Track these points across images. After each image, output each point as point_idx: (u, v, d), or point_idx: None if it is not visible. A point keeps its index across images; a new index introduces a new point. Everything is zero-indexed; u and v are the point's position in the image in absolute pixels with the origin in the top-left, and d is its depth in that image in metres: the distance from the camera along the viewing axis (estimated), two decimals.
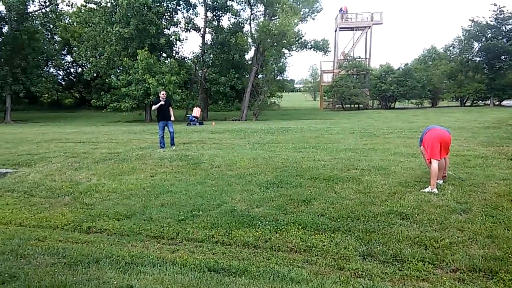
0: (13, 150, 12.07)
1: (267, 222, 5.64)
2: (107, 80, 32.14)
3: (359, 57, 43.12)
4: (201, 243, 5.30)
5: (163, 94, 12.19)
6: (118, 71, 30.93)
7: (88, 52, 31.89)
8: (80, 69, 46.55)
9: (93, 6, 31.87)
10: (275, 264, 4.48)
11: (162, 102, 11.90)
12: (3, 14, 33.50)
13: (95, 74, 32.61)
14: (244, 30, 33.98)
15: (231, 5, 33.40)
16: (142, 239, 5.46)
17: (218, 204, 6.56)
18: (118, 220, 6.17)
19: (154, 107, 12.03)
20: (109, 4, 30.68)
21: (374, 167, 7.99)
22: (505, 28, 39.50)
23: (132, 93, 28.55)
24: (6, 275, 4.01)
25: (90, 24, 32.16)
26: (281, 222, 5.62)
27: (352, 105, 41.24)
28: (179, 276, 4.17)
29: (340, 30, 44.44)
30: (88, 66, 32.78)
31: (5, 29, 34.40)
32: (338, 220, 5.53)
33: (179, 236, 5.51)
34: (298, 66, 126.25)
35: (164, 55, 33.65)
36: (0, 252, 4.85)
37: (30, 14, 34.50)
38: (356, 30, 43.65)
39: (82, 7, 33.74)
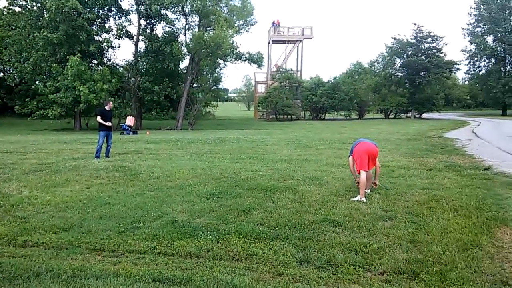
0: None
1: (208, 232, 5.82)
2: (32, 86, 30.52)
3: (291, 69, 44.66)
4: (143, 254, 5.35)
5: (110, 105, 12.13)
6: (45, 77, 29.50)
7: (12, 57, 30.11)
8: (1, 73, 43.62)
9: (18, 9, 30.25)
10: (218, 273, 4.68)
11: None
12: None
13: (19, 80, 30.78)
14: (179, 40, 33.97)
15: (166, 14, 33.32)
16: (82, 252, 5.40)
17: (158, 215, 6.62)
18: (55, 233, 6.02)
19: (98, 118, 11.77)
20: (35, 8, 29.29)
21: (309, 177, 8.46)
22: (424, 46, 42.99)
23: (60, 100, 27.38)
24: None
25: (14, 28, 30.45)
26: (222, 231, 5.83)
27: (285, 116, 42.50)
28: (125, 287, 4.24)
29: (273, 43, 45.76)
30: (12, 71, 30.94)
31: None
32: (277, 228, 5.85)
33: (120, 248, 5.52)
34: (232, 75, 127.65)
35: (95, 62, 32.65)
36: None
37: None
38: (288, 43, 45.22)
39: (5, 10, 31.83)
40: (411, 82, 42.88)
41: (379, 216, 6.12)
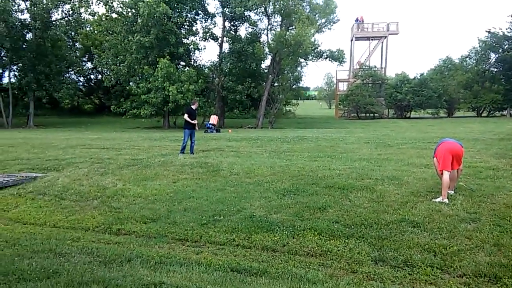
0: (41, 155, 12.65)
1: (284, 228, 5.99)
2: (127, 87, 32.98)
3: (375, 67, 43.29)
4: (223, 246, 5.68)
5: (196, 104, 12.92)
6: (138, 78, 31.71)
7: (109, 60, 32.76)
8: (100, 75, 47.61)
9: (114, 15, 32.85)
10: (293, 267, 4.84)
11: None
12: (27, 22, 34.67)
13: (115, 81, 33.46)
14: (261, 40, 34.58)
15: (249, 15, 34.11)
16: (168, 241, 5.87)
17: (238, 209, 6.93)
18: (145, 223, 6.59)
19: (186, 116, 12.54)
20: (130, 14, 31.55)
21: (388, 177, 8.27)
22: None
23: (151, 100, 29.27)
24: (50, 270, 4.44)
25: (111, 33, 33.09)
26: (297, 227, 5.96)
27: (368, 114, 41.36)
28: (205, 275, 4.55)
29: (356, 40, 44.69)
30: (109, 73, 33.69)
31: (29, 36, 35.56)
32: (352, 227, 5.85)
33: (202, 239, 5.91)
34: (313, 73, 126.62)
35: (182, 63, 34.40)
36: (40, 250, 5.30)
37: (54, 23, 35.58)
38: (372, 39, 43.86)
39: (104, 16, 34.71)
40: (507, 78, 39.44)
41: (462, 218, 5.84)
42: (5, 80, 38.46)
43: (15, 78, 37.17)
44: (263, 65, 37.47)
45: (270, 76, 33.73)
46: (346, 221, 6.06)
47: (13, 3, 33.75)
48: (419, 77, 42.28)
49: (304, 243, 5.48)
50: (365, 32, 43.98)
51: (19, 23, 34.31)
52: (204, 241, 5.86)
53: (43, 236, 6.03)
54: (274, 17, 34.10)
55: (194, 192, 8.12)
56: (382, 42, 43.22)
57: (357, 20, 43.78)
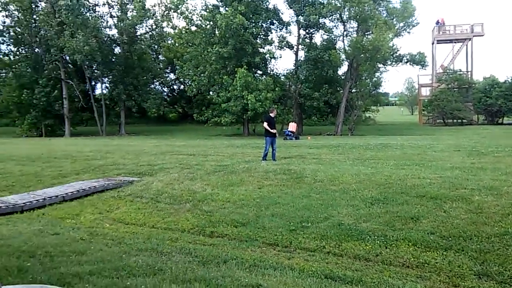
0: (135, 161, 13.60)
1: (376, 237, 5.88)
2: (208, 96, 34.30)
3: (460, 70, 40.81)
4: (313, 252, 5.72)
5: (274, 112, 13.11)
6: (218, 88, 32.83)
7: (191, 71, 34.32)
8: (182, 86, 49.97)
9: (194, 28, 34.43)
10: (388, 277, 4.73)
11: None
12: (115, 38, 37.49)
13: (196, 91, 35.00)
14: (337, 46, 34.29)
15: (324, 22, 34.04)
16: (259, 245, 6.03)
17: (325, 217, 6.92)
18: (235, 227, 6.83)
19: (265, 124, 12.74)
20: (208, 26, 32.87)
21: (485, 187, 7.78)
22: None
23: (231, 108, 30.15)
24: (156, 268, 4.77)
25: (191, 45, 34.70)
26: (390, 237, 5.82)
27: (455, 120, 39.01)
28: (300, 280, 4.60)
29: (437, 43, 42.47)
30: (190, 83, 35.30)
31: (117, 50, 38.41)
32: (450, 238, 5.59)
33: (292, 245, 6.00)
34: (393, 79, 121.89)
35: (259, 72, 35.07)
36: (143, 249, 5.70)
37: (139, 37, 38.11)
38: (455, 42, 41.45)
39: (184, 29, 36.50)
40: None
41: None
42: (98, 91, 41.89)
43: (107, 89, 40.30)
44: (340, 72, 37.06)
45: (347, 82, 33.22)
46: (442, 232, 5.81)
47: (102, 20, 36.81)
48: (510, 81, 39.12)
49: (398, 254, 5.34)
50: (447, 35, 41.70)
51: (108, 39, 37.23)
52: (294, 246, 5.94)
53: (144, 236, 6.49)
54: (350, 23, 33.60)
55: (280, 198, 8.24)
56: (467, 45, 40.71)
57: (437, 22, 41.68)
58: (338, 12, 31.74)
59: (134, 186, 9.97)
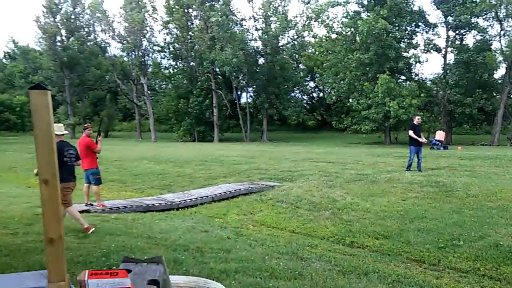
0: (276, 167, 14.11)
1: None
2: (347, 104, 33.92)
3: None
4: (465, 273, 5.21)
5: (418, 119, 12.38)
6: (358, 95, 32.21)
7: (330, 78, 34.34)
8: (321, 93, 50.34)
9: (334, 36, 34.39)
10: None
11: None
12: (259, 49, 39.49)
13: (335, 98, 34.86)
14: (493, 47, 30.84)
15: (476, 22, 30.99)
16: (403, 261, 5.71)
17: (480, 236, 6.26)
18: (377, 239, 6.59)
19: (411, 133, 12.04)
20: (349, 33, 32.50)
21: None
22: None
23: (372, 116, 29.29)
24: (296, 272, 4.86)
25: (331, 52, 34.72)
26: None
27: None
28: None
29: None
30: (330, 91, 35.38)
31: (261, 61, 40.42)
32: None
33: (441, 263, 5.55)
34: None
35: (402, 77, 33.44)
36: (284, 252, 5.86)
37: (281, 47, 39.51)
38: None
39: (324, 37, 36.69)
40: None
41: None
42: (243, 100, 44.66)
43: (251, 98, 42.75)
44: (496, 75, 33.28)
45: (506, 87, 29.61)
46: None
47: (248, 33, 39.19)
48: None
49: None
50: None
51: (253, 51, 39.40)
52: (443, 265, 5.48)
53: (285, 240, 6.67)
54: (508, 21, 29.97)
55: (427, 212, 7.70)
56: None
57: None
58: (494, 10, 28.76)
59: (275, 191, 10.33)
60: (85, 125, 8.83)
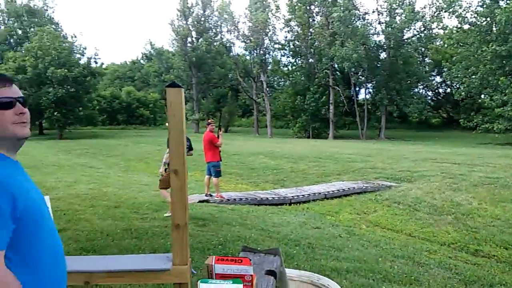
0: (394, 166, 13.53)
1: None
2: (478, 100, 30.98)
3: None
4: None
5: None
6: (491, 90, 29.17)
7: (460, 72, 31.62)
8: (448, 89, 46.69)
9: (466, 26, 31.53)
10: None
11: None
12: (382, 43, 37.92)
13: (465, 94, 32.02)
14: None
15: None
16: None
17: None
18: (506, 248, 6.00)
19: None
20: (484, 23, 29.54)
21: None
22: None
23: (507, 114, 26.35)
24: (412, 277, 4.67)
25: (462, 45, 31.93)
26: None
27: None
28: None
29: None
30: (459, 86, 32.58)
31: (383, 55, 38.82)
32: None
33: None
34: None
35: None
36: (399, 256, 5.65)
37: (406, 41, 37.44)
38: None
39: (455, 29, 33.85)
40: None
41: None
42: (361, 96, 43.41)
43: (370, 94, 41.39)
44: None
45: None
46: None
47: (371, 28, 37.87)
48: None
49: None
50: None
51: (375, 45, 37.97)
52: None
53: (400, 243, 6.41)
54: None
55: None
56: None
57: None
58: None
59: (392, 191, 9.95)
60: (209, 120, 9.48)
